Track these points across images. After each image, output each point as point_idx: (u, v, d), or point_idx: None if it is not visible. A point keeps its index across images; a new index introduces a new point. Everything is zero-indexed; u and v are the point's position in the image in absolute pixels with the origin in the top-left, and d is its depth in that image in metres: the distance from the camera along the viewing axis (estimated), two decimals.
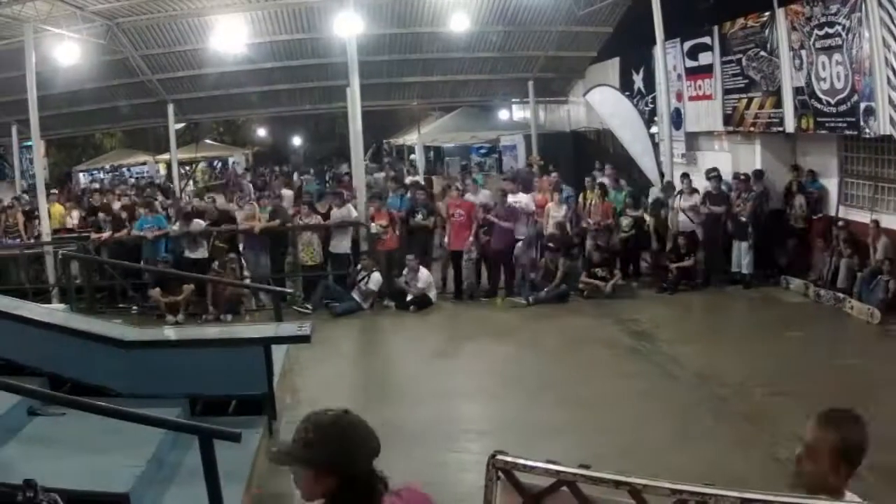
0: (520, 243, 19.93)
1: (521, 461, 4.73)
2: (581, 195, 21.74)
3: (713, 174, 20.98)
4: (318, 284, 20.01)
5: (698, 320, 18.07)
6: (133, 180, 40.45)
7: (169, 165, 37.30)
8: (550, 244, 19.77)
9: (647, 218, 21.20)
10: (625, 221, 20.51)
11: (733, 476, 8.38)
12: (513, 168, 31.32)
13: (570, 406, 12.17)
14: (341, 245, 20.45)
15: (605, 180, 23.04)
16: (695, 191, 20.63)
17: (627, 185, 22.52)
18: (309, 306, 19.35)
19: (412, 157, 41.70)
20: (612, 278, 19.62)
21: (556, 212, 20.61)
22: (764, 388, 12.43)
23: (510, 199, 20.53)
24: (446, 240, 20.52)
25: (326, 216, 20.90)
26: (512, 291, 19.99)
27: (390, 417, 10.93)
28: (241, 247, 20.88)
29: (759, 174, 20.35)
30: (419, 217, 21.00)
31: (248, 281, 20.05)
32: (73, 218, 24.40)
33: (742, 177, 20.43)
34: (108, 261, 20.15)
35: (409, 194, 22.27)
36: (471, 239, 20.10)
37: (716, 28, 22.31)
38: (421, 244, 20.91)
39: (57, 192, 28.18)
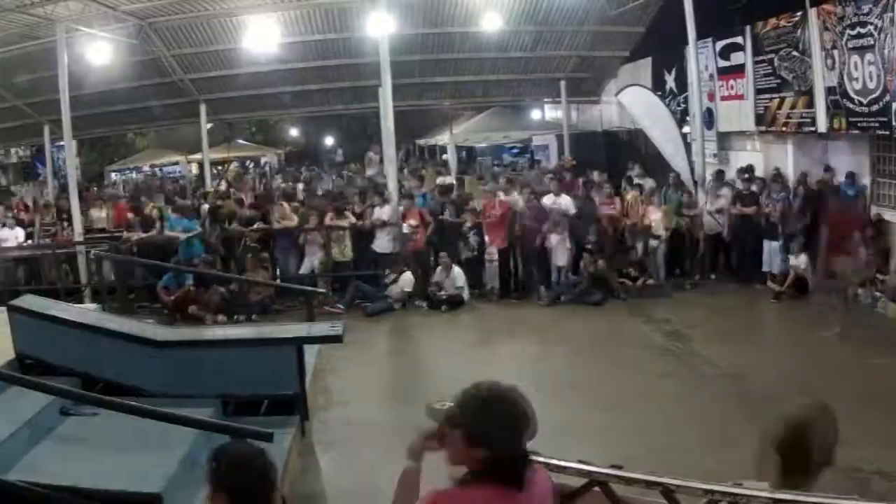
0: (555, 243, 19.86)
1: (554, 461, 4.75)
2: (619, 195, 21.68)
3: (745, 176, 20.97)
4: (349, 284, 20.00)
5: (731, 320, 17.84)
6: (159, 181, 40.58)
7: (201, 165, 37.37)
8: (589, 244, 19.73)
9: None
10: (682, 221, 20.27)
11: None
12: (546, 167, 31.27)
13: (601, 407, 12.13)
14: (386, 244, 20.42)
15: (650, 181, 23.10)
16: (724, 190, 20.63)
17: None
18: (341, 305, 19.37)
19: (444, 156, 41.69)
20: (642, 278, 19.61)
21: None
22: (796, 388, 12.28)
23: (549, 200, 20.51)
24: (487, 238, 20.42)
25: (360, 216, 20.91)
26: (546, 291, 19.89)
27: (422, 417, 10.79)
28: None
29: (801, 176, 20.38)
30: (447, 215, 21.01)
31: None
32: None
33: (773, 177, 20.36)
34: (141, 260, 20.19)
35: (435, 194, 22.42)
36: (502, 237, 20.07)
37: (748, 28, 22.27)
38: (451, 244, 20.74)
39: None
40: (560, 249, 19.82)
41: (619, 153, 29.84)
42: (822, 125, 19.49)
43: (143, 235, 21.02)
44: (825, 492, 4.11)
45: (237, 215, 21.48)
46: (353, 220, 20.65)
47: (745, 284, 19.62)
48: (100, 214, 24.31)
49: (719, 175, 21.94)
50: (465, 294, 19.71)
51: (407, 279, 19.45)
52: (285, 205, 21.39)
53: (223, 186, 32.08)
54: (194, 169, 43.95)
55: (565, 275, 19.83)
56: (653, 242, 20.12)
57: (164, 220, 21.86)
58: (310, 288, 17.47)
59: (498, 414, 3.67)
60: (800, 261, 18.37)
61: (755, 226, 19.94)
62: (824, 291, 17.02)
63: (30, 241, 22.55)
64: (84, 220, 23.26)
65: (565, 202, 20.51)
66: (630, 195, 21.43)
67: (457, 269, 19.60)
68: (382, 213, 20.52)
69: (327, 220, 20.52)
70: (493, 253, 20.37)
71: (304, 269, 20.52)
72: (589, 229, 19.98)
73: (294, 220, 20.74)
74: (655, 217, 20.32)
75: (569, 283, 19.71)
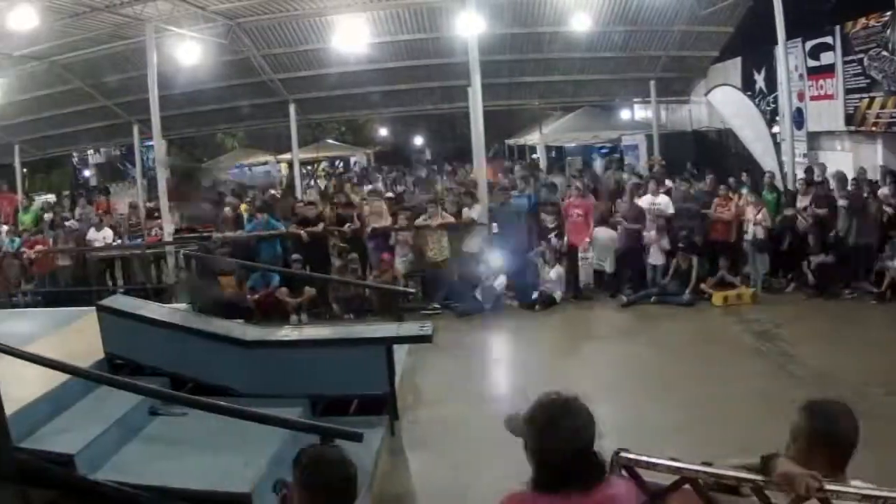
0: (651, 244, 19.76)
1: (644, 458, 4.80)
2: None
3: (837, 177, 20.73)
4: (440, 283, 19.99)
5: (823, 321, 17.53)
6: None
7: (290, 165, 37.58)
8: (681, 244, 19.52)
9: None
10: (777, 220, 19.91)
11: (853, 474, 8.17)
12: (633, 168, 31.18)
13: (688, 406, 12.04)
14: (474, 244, 20.30)
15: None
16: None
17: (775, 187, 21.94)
18: (437, 305, 19.34)
19: (534, 156, 41.65)
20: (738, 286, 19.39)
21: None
22: (885, 388, 12.19)
23: (647, 200, 20.38)
24: (566, 239, 20.18)
25: (457, 216, 20.84)
26: (637, 291, 19.68)
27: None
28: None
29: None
30: (544, 216, 20.82)
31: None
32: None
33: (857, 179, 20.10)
34: (228, 259, 20.25)
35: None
36: (587, 240, 19.98)
37: (837, 28, 22.08)
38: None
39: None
40: (656, 249, 19.68)
41: (709, 153, 29.65)
42: None
43: (231, 235, 21.08)
44: None
45: (324, 215, 21.42)
46: (446, 220, 20.49)
47: (838, 285, 19.20)
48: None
49: (808, 173, 21.66)
50: (558, 294, 19.57)
51: (500, 280, 19.37)
52: (379, 203, 21.35)
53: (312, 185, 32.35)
54: (283, 169, 44.27)
55: (660, 275, 19.63)
56: (751, 233, 19.79)
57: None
58: (399, 288, 17.46)
59: (545, 425, 3.87)
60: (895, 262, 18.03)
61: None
62: None
63: (119, 241, 22.76)
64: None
65: (663, 202, 20.36)
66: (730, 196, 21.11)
67: (556, 269, 19.49)
68: (472, 212, 20.48)
69: (432, 220, 20.38)
70: (588, 251, 20.17)
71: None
72: (689, 227, 19.81)
73: (387, 220, 20.66)
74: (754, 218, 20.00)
75: (661, 283, 19.52)
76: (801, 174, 21.79)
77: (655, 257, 19.68)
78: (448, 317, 18.71)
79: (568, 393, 4.03)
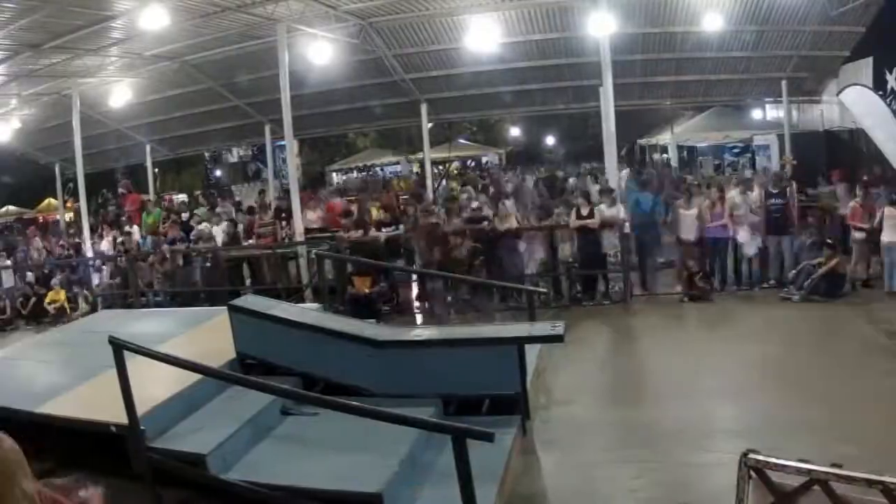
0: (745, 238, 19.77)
1: (773, 460, 4.88)
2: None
3: None
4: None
5: None
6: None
7: (422, 165, 37.77)
8: (829, 240, 19.36)
9: None
10: None
11: None
12: (766, 168, 30.92)
13: (819, 405, 11.74)
14: (612, 243, 20.38)
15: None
16: None
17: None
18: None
19: (665, 156, 41.48)
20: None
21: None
22: None
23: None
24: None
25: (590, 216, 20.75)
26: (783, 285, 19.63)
27: (643, 417, 11.00)
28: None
29: None
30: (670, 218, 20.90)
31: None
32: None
33: None
34: (359, 259, 20.33)
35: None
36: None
37: None
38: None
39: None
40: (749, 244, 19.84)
41: (841, 153, 29.26)
42: None
43: (355, 236, 21.21)
44: None
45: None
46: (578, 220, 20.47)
47: None
48: (313, 215, 24.61)
49: None
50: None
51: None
52: (507, 204, 21.42)
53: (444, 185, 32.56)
54: (415, 168, 44.53)
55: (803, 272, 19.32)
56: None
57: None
58: (530, 287, 17.42)
59: None
60: None
61: None
62: None
63: (250, 241, 23.04)
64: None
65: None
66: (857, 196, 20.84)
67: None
68: (609, 212, 20.44)
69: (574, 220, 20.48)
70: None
71: (528, 269, 20.53)
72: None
73: (514, 221, 20.66)
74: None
75: (802, 280, 19.17)
76: None
77: (749, 250, 19.97)
78: (579, 314, 18.87)
79: None
